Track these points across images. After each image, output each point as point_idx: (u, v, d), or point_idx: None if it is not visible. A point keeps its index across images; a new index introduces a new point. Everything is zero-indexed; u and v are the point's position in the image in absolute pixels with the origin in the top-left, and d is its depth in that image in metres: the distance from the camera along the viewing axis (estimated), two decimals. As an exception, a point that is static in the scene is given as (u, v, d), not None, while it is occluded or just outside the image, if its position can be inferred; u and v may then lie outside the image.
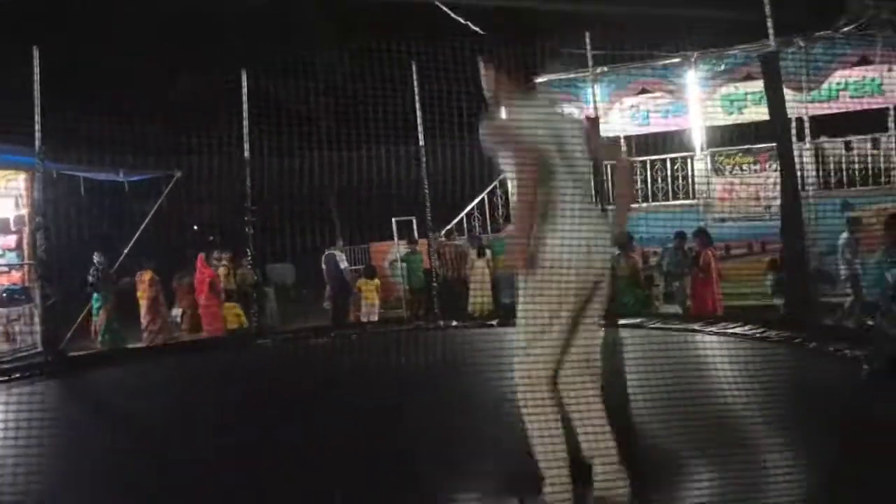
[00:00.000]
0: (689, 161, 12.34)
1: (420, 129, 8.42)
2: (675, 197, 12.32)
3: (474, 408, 4.12)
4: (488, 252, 11.49)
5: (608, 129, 11.12)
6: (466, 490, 3.15)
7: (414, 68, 8.27)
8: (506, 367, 3.93)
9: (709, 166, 11.93)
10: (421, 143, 8.44)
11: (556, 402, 2.88)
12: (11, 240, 11.49)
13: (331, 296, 11.60)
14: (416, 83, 8.32)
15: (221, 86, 9.00)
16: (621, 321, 6.81)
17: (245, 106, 8.21)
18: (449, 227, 12.85)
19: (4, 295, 11.10)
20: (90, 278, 10.26)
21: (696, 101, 11.60)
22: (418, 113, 8.36)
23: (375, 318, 11.31)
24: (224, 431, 3.80)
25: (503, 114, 3.06)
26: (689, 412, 3.36)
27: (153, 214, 11.11)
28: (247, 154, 8.29)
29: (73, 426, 4.56)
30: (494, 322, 7.43)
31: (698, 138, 12.04)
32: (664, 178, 12.49)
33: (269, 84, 9.01)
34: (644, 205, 12.10)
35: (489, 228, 13.47)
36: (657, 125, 13.20)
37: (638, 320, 6.95)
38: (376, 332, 7.95)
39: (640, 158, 12.93)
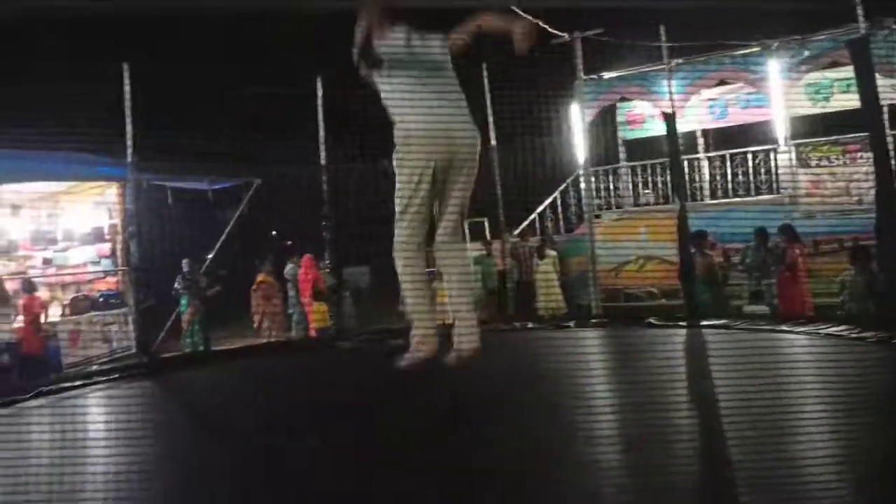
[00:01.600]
0: (771, 154, 11.85)
1: (492, 129, 8.41)
2: (758, 192, 11.85)
3: (553, 412, 4.07)
4: (552, 253, 11.36)
5: (685, 123, 10.80)
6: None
7: (484, 68, 8.26)
8: (587, 369, 3.87)
9: (793, 159, 11.42)
10: (493, 143, 8.42)
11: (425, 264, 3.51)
12: (106, 248, 12.19)
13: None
14: (486, 83, 8.31)
15: (297, 93, 9.24)
16: (704, 322, 6.66)
17: (320, 113, 8.41)
18: (521, 227, 12.78)
19: (101, 300, 11.78)
20: (176, 284, 10.74)
21: (779, 91, 11.10)
22: (489, 113, 8.35)
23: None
24: (313, 430, 3.89)
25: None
26: (782, 419, 3.23)
27: (235, 220, 11.51)
28: (323, 160, 8.48)
29: (167, 425, 4.79)
30: (571, 323, 7.36)
31: (781, 130, 11.53)
32: (745, 173, 12.04)
33: (343, 90, 9.20)
34: (724, 201, 11.70)
35: (562, 229, 13.32)
36: (736, 118, 12.76)
37: (721, 321, 6.75)
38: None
39: (719, 153, 12.52)
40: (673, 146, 7.52)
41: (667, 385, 4.04)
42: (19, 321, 9.95)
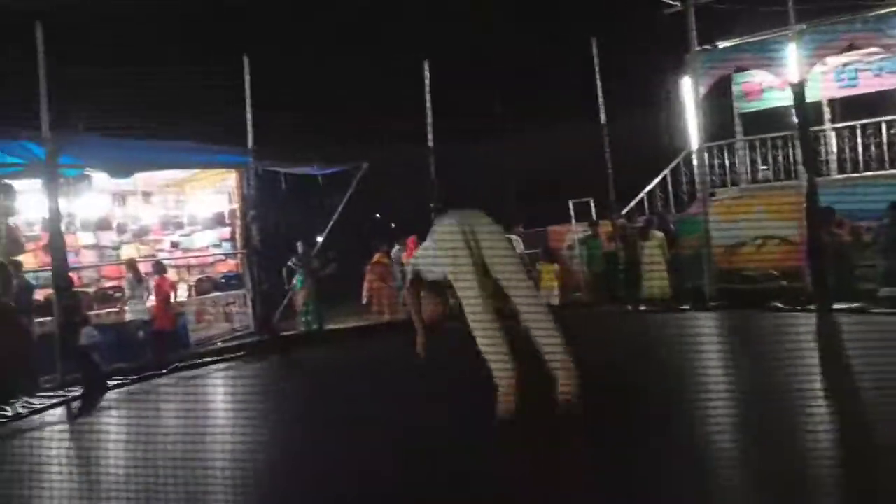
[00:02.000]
0: (907, 124, 10.88)
1: (602, 106, 8.16)
2: (893, 165, 10.92)
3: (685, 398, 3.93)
4: (659, 234, 10.92)
5: (808, 93, 10.08)
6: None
7: (594, 45, 8.01)
8: (707, 350, 3.71)
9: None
10: (603, 120, 8.16)
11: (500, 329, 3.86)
12: (226, 231, 12.85)
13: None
14: (596, 60, 8.06)
15: (404, 77, 9.35)
16: (835, 306, 6.22)
17: (427, 95, 8.45)
18: (629, 207, 12.39)
19: (222, 281, 12.46)
20: (291, 265, 11.19)
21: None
22: (599, 91, 8.10)
23: (556, 301, 11.22)
24: (430, 405, 3.95)
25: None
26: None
27: (344, 204, 11.82)
28: (430, 142, 8.54)
29: (289, 398, 5.01)
30: (688, 305, 7.09)
31: (921, 97, 10.55)
32: (878, 145, 11.11)
33: (449, 72, 9.22)
34: (854, 175, 10.86)
35: (672, 208, 12.80)
36: (868, 85, 11.77)
37: (854, 305, 6.30)
38: (563, 316, 7.89)
39: (849, 123, 11.61)
40: (802, 117, 7.02)
41: (802, 372, 3.81)
42: (152, 301, 10.72)
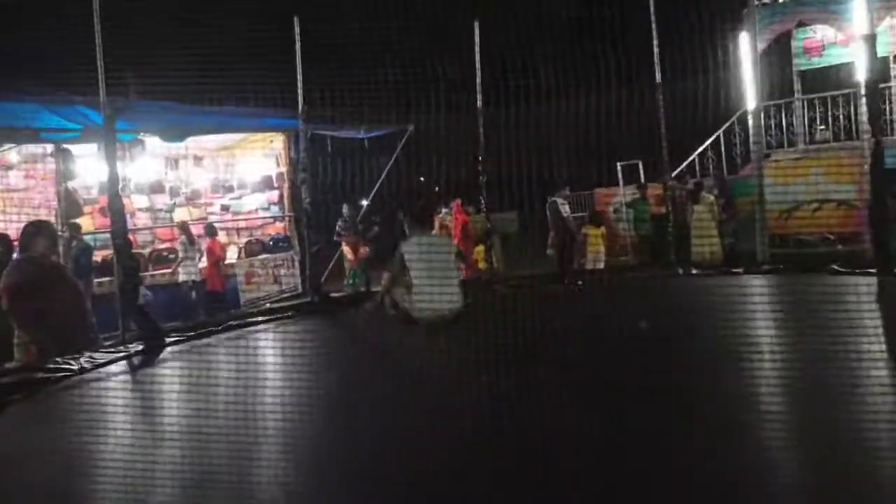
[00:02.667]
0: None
1: (657, 64, 7.90)
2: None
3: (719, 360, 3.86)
4: (709, 196, 10.65)
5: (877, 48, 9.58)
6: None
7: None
8: (760, 313, 3.62)
9: None
10: (658, 80, 7.92)
11: None
12: (274, 194, 13.04)
13: (553, 243, 11.60)
14: (653, 16, 7.79)
15: (452, 37, 9.21)
16: (898, 270, 6.00)
17: (477, 56, 8.32)
18: (680, 168, 12.10)
19: (270, 243, 12.70)
20: (338, 227, 11.31)
21: None
22: (655, 49, 7.84)
23: (601, 265, 11.12)
24: (478, 368, 3.98)
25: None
26: None
27: (390, 167, 11.84)
28: (479, 104, 8.44)
29: (338, 357, 5.11)
30: (740, 270, 6.93)
31: None
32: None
33: (498, 32, 9.04)
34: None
35: (725, 169, 12.47)
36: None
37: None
38: (611, 279, 7.82)
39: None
40: (872, 72, 6.69)
41: (861, 336, 3.70)
42: (204, 262, 11.00)
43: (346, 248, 11.31)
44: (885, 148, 8.22)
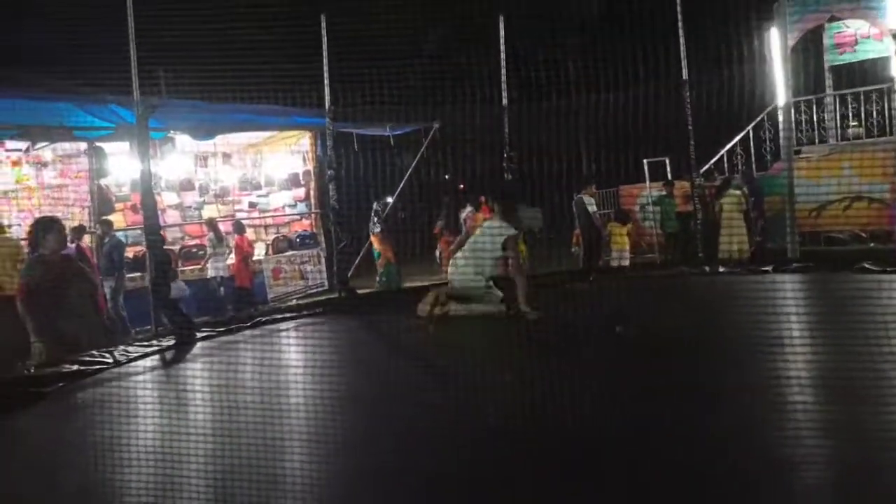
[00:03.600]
0: None
1: (684, 61, 7.84)
2: None
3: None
4: (736, 192, 10.53)
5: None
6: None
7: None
8: (788, 312, 3.59)
9: None
10: (685, 76, 7.86)
11: None
12: (301, 192, 13.18)
13: (578, 240, 11.55)
14: (679, 13, 7.73)
15: (477, 34, 9.23)
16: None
17: (502, 53, 8.34)
18: (708, 165, 11.98)
19: (297, 240, 12.84)
20: (371, 225, 11.37)
21: None
22: (682, 44, 7.77)
23: (626, 263, 11.06)
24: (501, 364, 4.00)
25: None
26: None
27: (415, 164, 11.89)
28: (504, 101, 8.45)
29: (366, 354, 5.17)
30: (769, 268, 6.86)
31: None
32: None
33: (524, 29, 9.04)
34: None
35: (754, 166, 12.30)
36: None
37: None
38: (636, 277, 7.78)
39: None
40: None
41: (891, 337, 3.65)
42: (232, 258, 11.16)
43: (378, 244, 11.38)
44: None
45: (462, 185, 14.45)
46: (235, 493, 2.70)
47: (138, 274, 9.55)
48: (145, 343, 5.87)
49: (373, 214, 11.17)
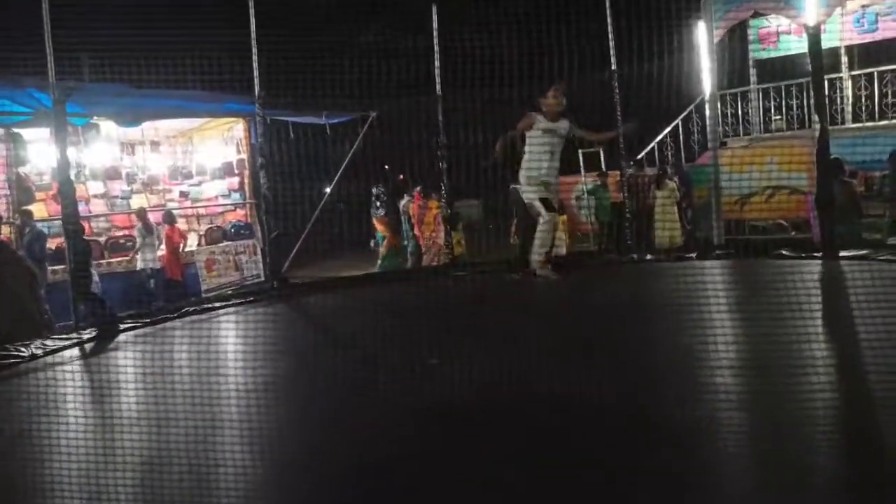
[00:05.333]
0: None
1: (613, 53, 8.00)
2: (911, 114, 10.73)
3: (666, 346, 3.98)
4: (671, 183, 10.89)
5: (826, 39, 9.81)
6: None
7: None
8: (716, 300, 3.74)
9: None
10: (614, 67, 8.02)
11: None
12: (235, 181, 12.89)
13: (517, 230, 11.69)
14: (608, 6, 7.87)
15: (411, 25, 9.18)
16: (842, 253, 6.21)
17: (436, 43, 8.33)
18: (640, 156, 12.28)
19: (232, 230, 12.56)
20: (374, 209, 11.26)
21: (941, -1, 9.85)
22: (610, 35, 7.93)
23: (563, 251, 11.26)
24: (428, 352, 4.03)
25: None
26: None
27: (352, 152, 11.77)
28: (439, 91, 8.45)
29: (296, 342, 5.12)
30: (693, 255, 7.10)
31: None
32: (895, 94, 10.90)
33: (457, 20, 9.05)
34: (870, 124, 10.68)
35: (683, 157, 12.69)
36: (887, 30, 11.46)
37: (862, 252, 6.28)
38: (569, 265, 7.91)
39: (866, 71, 11.35)
40: (816, 63, 6.89)
41: (802, 317, 3.84)
42: (162, 250, 10.84)
43: (383, 228, 11.25)
44: (835, 136, 8.50)
45: (401, 177, 14.41)
46: (154, 486, 2.64)
47: (61, 266, 9.17)
48: (64, 336, 5.66)
49: (374, 199, 11.05)
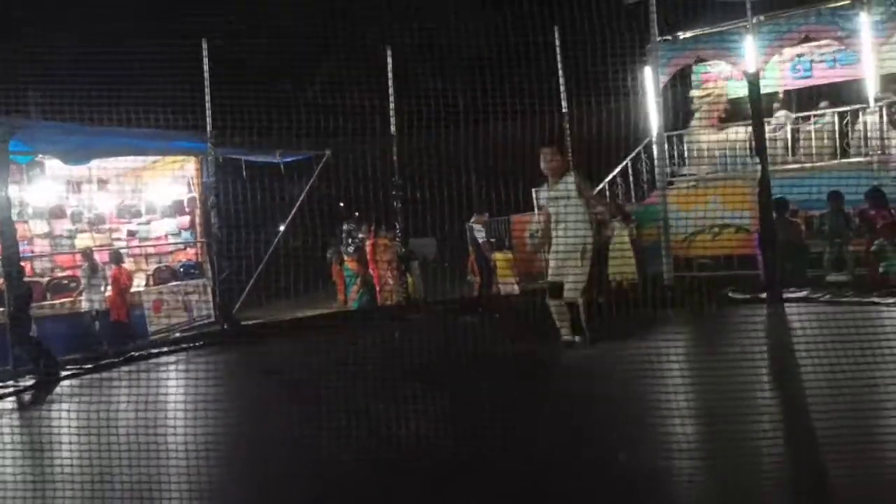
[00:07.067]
0: (859, 115, 11.16)
1: (563, 94, 8.21)
2: (845, 155, 11.21)
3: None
4: (629, 220, 11.13)
5: (765, 83, 10.25)
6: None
7: (556, 33, 8.05)
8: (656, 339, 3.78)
9: (884, 119, 10.73)
10: (565, 109, 8.22)
11: None
12: (186, 220, 12.64)
13: (473, 269, 11.74)
14: (558, 48, 8.11)
15: (366, 65, 9.27)
16: (785, 294, 6.40)
17: (390, 83, 8.42)
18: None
19: (182, 270, 12.27)
20: (346, 247, 11.09)
21: (869, 48, 10.42)
22: (561, 79, 8.15)
23: (516, 290, 11.33)
24: (387, 397, 3.97)
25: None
26: (870, 394, 3.09)
27: (307, 192, 11.70)
28: (393, 130, 8.51)
29: (243, 391, 4.98)
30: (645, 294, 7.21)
31: (871, 89, 10.83)
32: (830, 136, 11.39)
33: (411, 60, 9.18)
34: (808, 165, 11.13)
35: (633, 196, 12.98)
36: (822, 76, 12.05)
37: (803, 293, 6.49)
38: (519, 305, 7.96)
39: (803, 114, 11.87)
40: (755, 108, 7.19)
41: (747, 359, 3.92)
42: (108, 291, 10.50)
43: (355, 266, 11.08)
44: (776, 177, 8.83)
45: (357, 213, 14.36)
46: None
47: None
48: (1, 383, 5.41)
49: (345, 236, 10.89)
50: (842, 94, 11.78)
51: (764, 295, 6.55)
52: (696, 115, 13.03)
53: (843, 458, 2.79)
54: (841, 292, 6.32)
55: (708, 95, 13.06)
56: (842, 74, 11.66)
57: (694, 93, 13.08)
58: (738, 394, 3.34)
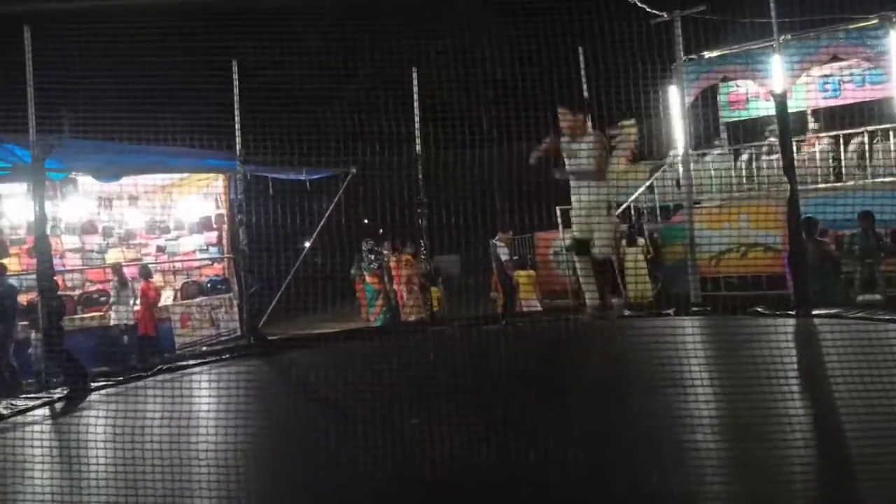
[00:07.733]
0: (891, 134, 11.02)
1: (589, 115, 8.21)
2: (875, 175, 11.05)
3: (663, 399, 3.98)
4: (641, 240, 11.08)
5: (793, 104, 10.18)
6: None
7: (580, 52, 8.09)
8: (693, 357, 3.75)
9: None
10: (590, 129, 8.21)
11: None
12: (213, 236, 12.83)
13: (497, 286, 11.74)
14: (582, 66, 8.14)
15: (392, 84, 9.38)
16: (815, 311, 6.31)
17: (416, 102, 8.50)
18: (618, 212, 12.45)
19: (209, 285, 12.44)
20: (368, 263, 11.22)
21: (899, 67, 10.31)
22: (585, 95, 8.18)
23: (538, 307, 11.30)
24: (415, 409, 3.98)
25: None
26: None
27: (332, 209, 11.82)
28: (418, 149, 8.58)
29: (270, 403, 5.02)
30: (671, 311, 7.16)
31: (902, 108, 10.69)
32: (861, 155, 11.25)
33: (437, 79, 9.28)
34: (838, 185, 10.99)
35: (658, 216, 12.91)
36: (850, 96, 11.93)
37: (834, 311, 6.39)
38: (541, 322, 7.94)
39: (831, 133, 11.74)
40: (783, 127, 7.14)
41: (779, 377, 3.87)
42: (137, 305, 10.67)
43: (377, 283, 11.21)
44: (804, 196, 8.73)
45: (380, 230, 14.45)
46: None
47: (25, 322, 8.94)
48: (33, 395, 5.51)
49: (366, 254, 11.00)
50: (872, 113, 11.66)
51: (793, 312, 6.46)
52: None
53: (878, 479, 2.75)
54: (873, 312, 6.19)
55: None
56: (871, 93, 11.54)
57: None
58: (769, 410, 3.29)
